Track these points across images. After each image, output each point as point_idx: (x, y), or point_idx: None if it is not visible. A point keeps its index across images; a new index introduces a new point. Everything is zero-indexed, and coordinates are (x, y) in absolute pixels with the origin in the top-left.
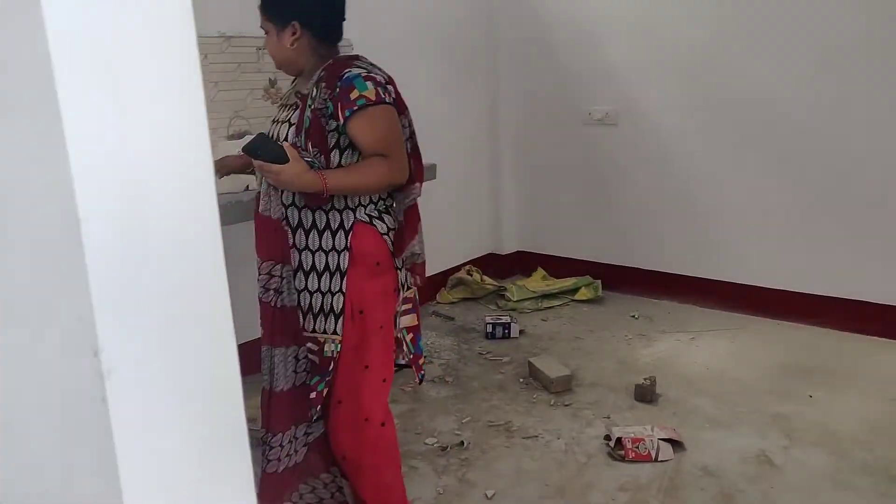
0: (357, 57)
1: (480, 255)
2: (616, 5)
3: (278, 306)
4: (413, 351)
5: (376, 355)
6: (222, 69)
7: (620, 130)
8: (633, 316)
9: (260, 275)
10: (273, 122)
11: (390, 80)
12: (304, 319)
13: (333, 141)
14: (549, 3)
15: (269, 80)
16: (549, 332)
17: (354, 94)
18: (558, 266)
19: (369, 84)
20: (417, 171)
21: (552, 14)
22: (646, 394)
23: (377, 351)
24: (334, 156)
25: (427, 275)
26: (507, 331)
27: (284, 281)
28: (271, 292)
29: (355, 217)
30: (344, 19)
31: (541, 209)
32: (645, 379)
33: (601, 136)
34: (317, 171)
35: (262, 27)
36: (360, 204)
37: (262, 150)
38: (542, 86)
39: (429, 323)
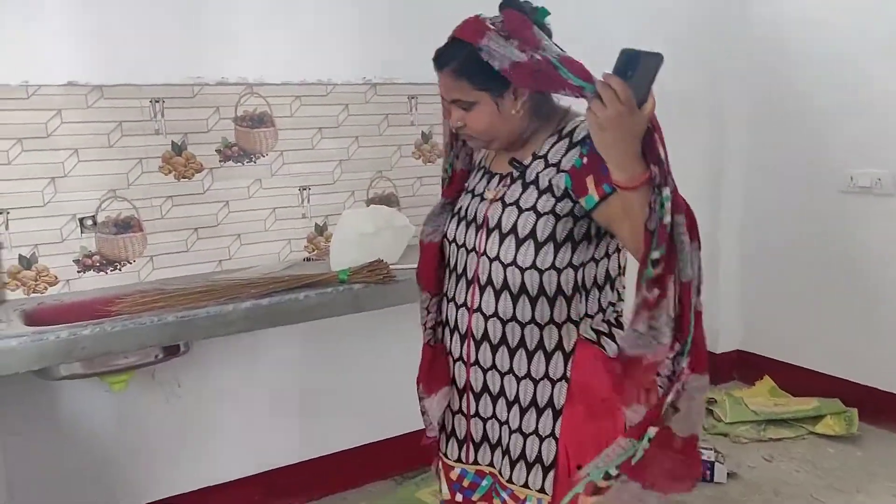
0: None
1: None
2: (891, 29)
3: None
4: None
5: None
6: (365, 121)
7: None
8: None
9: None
10: (465, 191)
11: None
12: (493, 455)
13: (568, 228)
14: (791, 27)
15: (423, 133)
16: (772, 481)
17: None
18: (794, 378)
19: None
20: None
21: (796, 42)
22: None
23: None
24: (564, 251)
25: None
26: (709, 471)
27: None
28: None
29: (578, 333)
30: None
31: (774, 298)
32: None
33: (867, 209)
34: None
35: (459, 100)
36: (586, 314)
37: (643, 65)
38: (784, 138)
39: None
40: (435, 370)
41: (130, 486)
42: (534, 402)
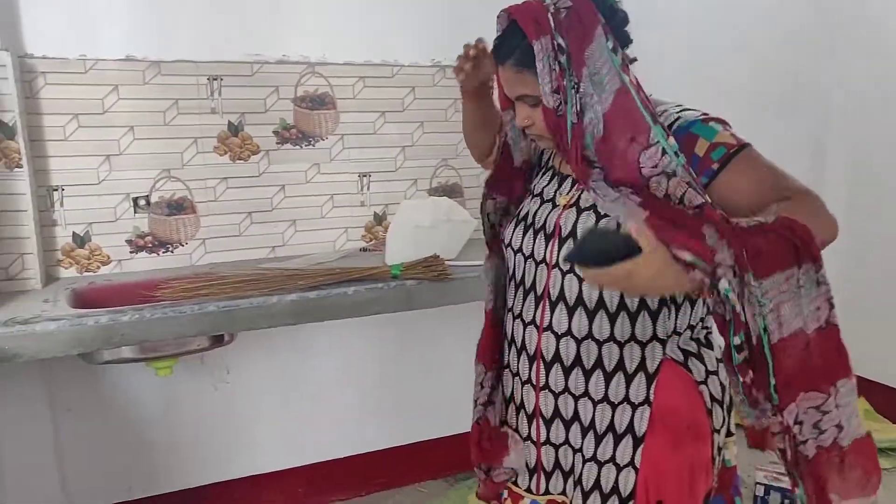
0: (649, 98)
1: None
2: None
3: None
4: None
5: None
6: (431, 106)
7: None
8: None
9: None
10: (531, 194)
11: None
12: (566, 484)
13: None
14: None
15: None
16: None
17: (703, 148)
18: (894, 402)
19: (717, 126)
20: None
21: None
22: None
23: None
24: None
25: None
26: (787, 500)
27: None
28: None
29: (664, 352)
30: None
31: (873, 312)
32: None
33: None
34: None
35: (525, 95)
36: (674, 331)
37: (592, 250)
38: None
39: None
40: (489, 447)
41: (175, 470)
42: (611, 427)
